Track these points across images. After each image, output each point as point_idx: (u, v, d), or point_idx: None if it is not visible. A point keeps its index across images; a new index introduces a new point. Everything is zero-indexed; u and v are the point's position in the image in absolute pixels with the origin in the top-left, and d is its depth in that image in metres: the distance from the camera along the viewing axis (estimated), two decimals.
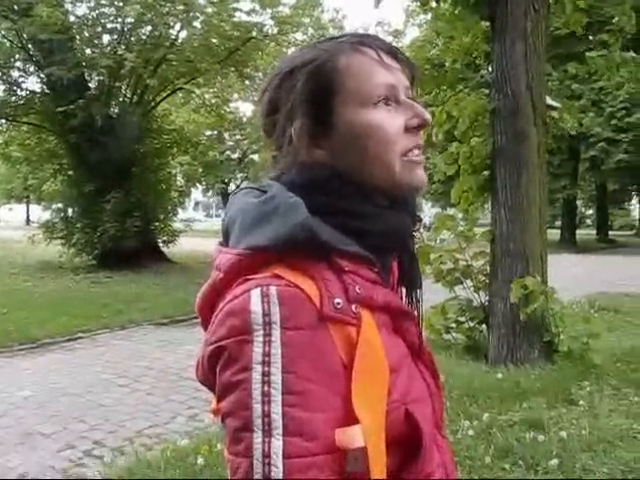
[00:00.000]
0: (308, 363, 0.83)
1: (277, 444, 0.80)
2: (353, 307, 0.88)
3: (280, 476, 0.79)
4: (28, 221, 48.60)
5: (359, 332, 0.87)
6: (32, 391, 6.27)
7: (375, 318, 0.91)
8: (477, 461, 4.03)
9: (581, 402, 5.20)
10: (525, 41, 6.32)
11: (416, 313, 1.05)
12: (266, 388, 0.81)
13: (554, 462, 3.93)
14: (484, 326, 6.91)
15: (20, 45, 16.76)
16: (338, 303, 0.86)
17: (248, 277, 0.88)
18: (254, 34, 17.21)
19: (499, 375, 5.81)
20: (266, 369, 0.82)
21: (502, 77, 6.44)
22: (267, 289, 0.84)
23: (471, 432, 4.48)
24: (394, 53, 1.00)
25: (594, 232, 37.86)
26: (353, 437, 0.82)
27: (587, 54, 8.95)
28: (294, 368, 0.82)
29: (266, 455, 0.80)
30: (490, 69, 6.84)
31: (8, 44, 16.97)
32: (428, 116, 0.98)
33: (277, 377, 0.81)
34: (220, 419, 0.88)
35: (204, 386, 0.95)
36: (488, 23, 6.87)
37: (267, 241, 0.88)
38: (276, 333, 0.83)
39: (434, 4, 7.69)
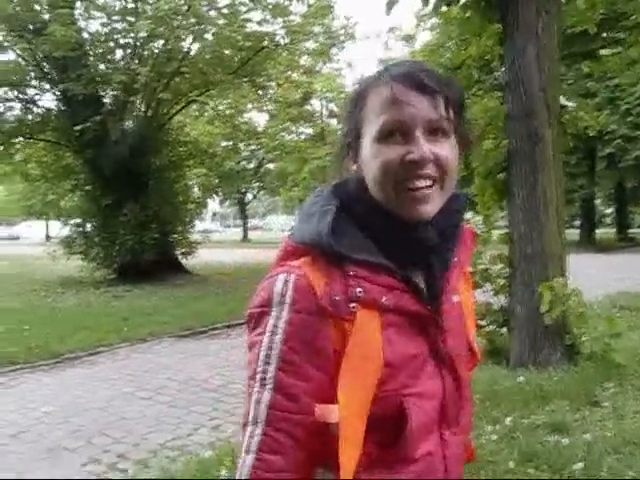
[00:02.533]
0: (301, 340, 1.04)
1: (266, 395, 1.04)
2: (351, 305, 1.04)
3: (262, 419, 1.03)
4: (48, 237, 49.00)
5: (353, 327, 1.04)
6: (55, 406, 6.31)
7: (382, 318, 1.07)
8: (501, 466, 4.00)
9: (605, 404, 5.15)
10: (537, 42, 6.29)
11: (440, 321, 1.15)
12: (269, 352, 1.04)
13: (579, 465, 3.89)
14: (504, 329, 6.86)
15: (35, 63, 16.94)
16: (335, 300, 1.04)
17: (284, 263, 1.11)
18: (266, 44, 17.28)
19: (521, 378, 5.77)
20: (272, 337, 1.05)
21: (515, 79, 6.41)
22: (289, 276, 1.07)
23: (494, 436, 4.46)
24: (421, 87, 1.07)
25: (614, 231, 37.49)
26: (329, 413, 1.02)
27: (601, 52, 8.90)
28: (290, 342, 1.04)
29: (257, 401, 1.04)
30: (503, 71, 6.81)
31: (23, 63, 17.16)
32: (424, 154, 1.06)
33: (277, 345, 1.04)
34: None
35: None
36: (499, 25, 6.86)
37: (301, 239, 1.11)
38: (284, 312, 1.05)
39: (445, 8, 7.67)
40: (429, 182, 1.08)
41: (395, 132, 1.07)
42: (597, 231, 33.81)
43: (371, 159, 1.09)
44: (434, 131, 1.08)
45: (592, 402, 5.22)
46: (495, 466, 4.00)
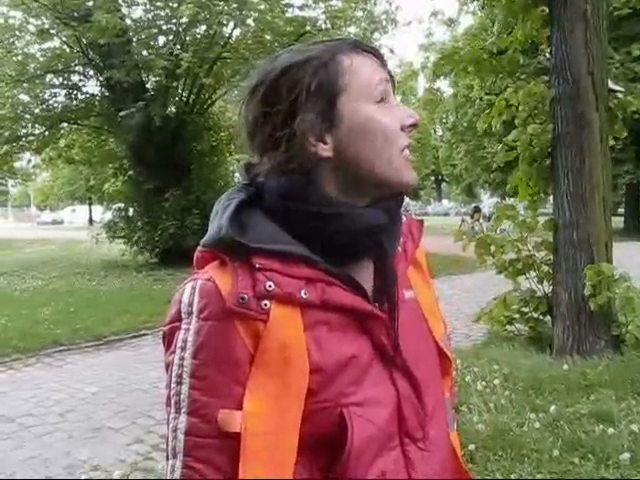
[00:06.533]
0: (211, 352, 0.92)
1: (182, 421, 0.92)
2: (263, 303, 0.92)
3: (181, 449, 0.91)
4: (91, 221, 49.82)
5: (266, 327, 0.92)
6: (100, 387, 6.44)
7: (306, 315, 0.94)
8: (545, 454, 3.96)
9: None
10: (585, 24, 6.15)
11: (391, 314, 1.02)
12: (180, 370, 0.93)
13: (625, 456, 3.82)
14: (548, 317, 6.78)
15: (80, 50, 17.17)
16: (242, 298, 0.91)
17: (195, 273, 1.00)
18: (307, 29, 17.21)
19: (565, 366, 5.69)
20: (182, 354, 0.93)
21: (562, 63, 6.29)
22: (196, 283, 0.95)
23: (537, 425, 4.41)
24: (381, 58, 1.04)
25: None
26: (230, 421, 0.90)
27: None
28: (200, 355, 0.92)
29: (173, 429, 0.93)
30: (548, 55, 6.68)
31: (68, 50, 17.40)
32: (418, 116, 1.03)
33: (188, 362, 0.92)
34: None
35: None
36: (544, 8, 6.73)
37: (205, 242, 0.98)
38: (193, 322, 0.93)
39: None
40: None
41: (383, 96, 1.01)
42: None
43: (372, 124, 0.98)
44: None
45: (638, 392, 5.12)
46: (539, 454, 3.96)
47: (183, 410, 0.92)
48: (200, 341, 0.92)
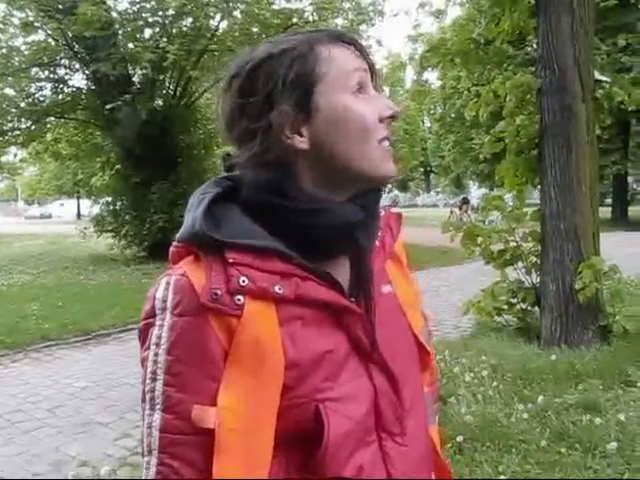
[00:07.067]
0: (185, 348, 0.91)
1: (157, 417, 0.91)
2: (236, 298, 0.91)
3: (156, 446, 0.90)
4: (79, 215, 49.58)
5: (239, 322, 0.91)
6: (88, 381, 6.42)
7: (281, 311, 0.93)
8: (532, 444, 3.99)
9: (639, 384, 5.08)
10: (571, 16, 6.16)
11: (366, 309, 1.01)
12: (154, 367, 0.92)
13: (612, 445, 3.85)
14: (536, 308, 6.80)
15: (65, 43, 17.03)
16: (216, 294, 0.90)
17: (170, 268, 0.98)
18: (294, 21, 17.15)
19: (553, 357, 5.71)
20: (156, 350, 0.92)
21: (548, 53, 6.29)
22: (170, 278, 0.94)
23: (525, 415, 4.43)
24: (361, 49, 1.02)
25: None
26: (204, 417, 0.89)
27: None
28: (174, 351, 0.91)
29: (148, 426, 0.92)
30: (535, 45, 6.68)
31: (53, 43, 17.26)
32: (398, 108, 1.01)
33: (162, 358, 0.91)
34: None
35: None
36: None
37: (180, 237, 0.98)
38: (167, 318, 0.92)
39: None
40: None
41: (360, 87, 0.99)
42: (630, 208, 33.21)
43: (348, 115, 0.96)
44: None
45: (625, 382, 5.15)
46: (527, 445, 3.98)
47: (158, 407, 0.91)
48: (174, 337, 0.91)
